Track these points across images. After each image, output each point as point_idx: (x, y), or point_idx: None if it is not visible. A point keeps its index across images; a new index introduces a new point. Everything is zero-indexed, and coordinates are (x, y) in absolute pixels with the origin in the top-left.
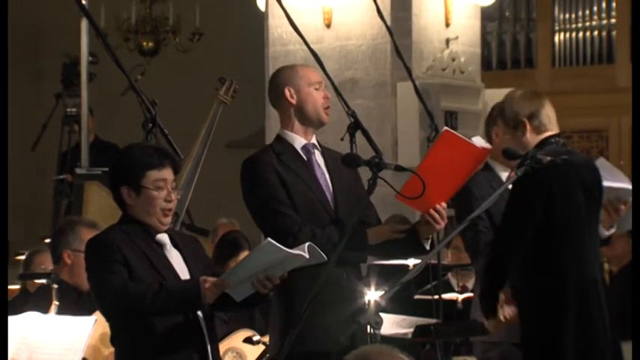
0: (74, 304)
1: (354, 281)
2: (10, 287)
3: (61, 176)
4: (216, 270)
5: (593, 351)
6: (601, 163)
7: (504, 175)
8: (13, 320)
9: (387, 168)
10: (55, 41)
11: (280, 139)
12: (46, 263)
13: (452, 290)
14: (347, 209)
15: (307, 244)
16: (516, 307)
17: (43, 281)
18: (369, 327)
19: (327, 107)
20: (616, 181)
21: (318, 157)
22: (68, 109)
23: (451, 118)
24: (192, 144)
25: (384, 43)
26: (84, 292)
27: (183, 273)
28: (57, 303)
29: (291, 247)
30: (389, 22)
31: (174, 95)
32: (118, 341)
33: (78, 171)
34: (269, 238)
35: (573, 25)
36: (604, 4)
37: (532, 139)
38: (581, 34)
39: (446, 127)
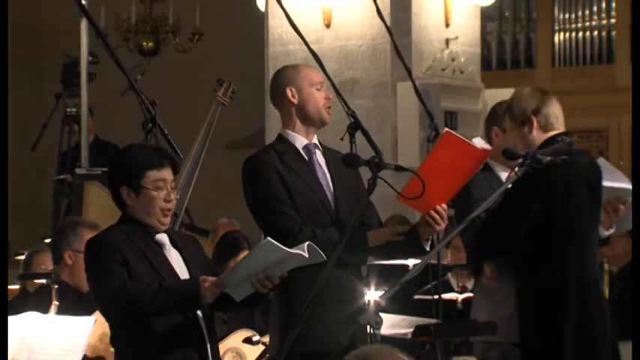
0: (74, 304)
1: (354, 281)
2: (10, 287)
3: (61, 176)
4: (216, 270)
5: (592, 351)
6: (600, 163)
7: (504, 175)
8: (13, 320)
9: (387, 168)
10: (55, 41)
11: (282, 139)
12: (46, 263)
13: (452, 290)
14: (347, 209)
15: (307, 243)
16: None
17: (43, 281)
18: (369, 327)
19: (329, 107)
20: (615, 181)
21: (319, 157)
22: (68, 109)
23: (451, 118)
24: (191, 145)
25: (383, 43)
26: (84, 292)
27: (183, 273)
28: (57, 303)
29: (291, 247)
30: (389, 22)
31: (174, 95)
32: (118, 341)
33: (78, 171)
34: (268, 237)
35: (573, 25)
36: (604, 4)
37: (538, 136)
38: (581, 34)
39: (447, 129)
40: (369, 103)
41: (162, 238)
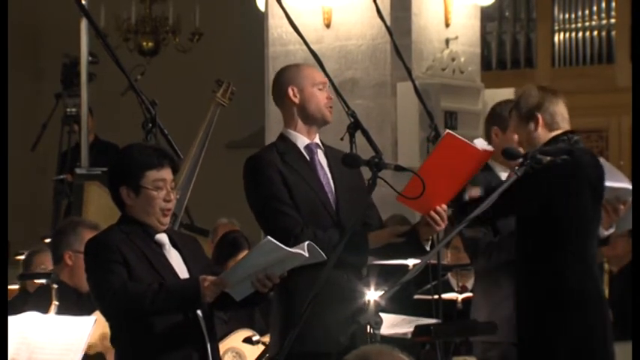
0: (74, 304)
1: (354, 281)
2: (10, 287)
3: (61, 176)
4: (216, 270)
5: (591, 352)
6: (600, 162)
7: (504, 175)
8: (13, 320)
9: (387, 168)
10: (55, 41)
11: (284, 138)
12: (46, 263)
13: (452, 290)
14: (348, 210)
15: (307, 242)
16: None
17: (43, 281)
18: (369, 327)
19: (331, 107)
20: (615, 181)
21: (321, 156)
22: (68, 109)
23: (451, 118)
24: (190, 145)
25: (383, 43)
26: (83, 293)
27: (183, 273)
28: (57, 303)
29: (291, 248)
30: (389, 22)
31: (174, 95)
32: (118, 341)
33: (78, 171)
34: (268, 237)
35: (573, 25)
36: (604, 4)
37: (543, 134)
38: (580, 34)
39: (448, 130)
40: (369, 103)
41: (162, 238)
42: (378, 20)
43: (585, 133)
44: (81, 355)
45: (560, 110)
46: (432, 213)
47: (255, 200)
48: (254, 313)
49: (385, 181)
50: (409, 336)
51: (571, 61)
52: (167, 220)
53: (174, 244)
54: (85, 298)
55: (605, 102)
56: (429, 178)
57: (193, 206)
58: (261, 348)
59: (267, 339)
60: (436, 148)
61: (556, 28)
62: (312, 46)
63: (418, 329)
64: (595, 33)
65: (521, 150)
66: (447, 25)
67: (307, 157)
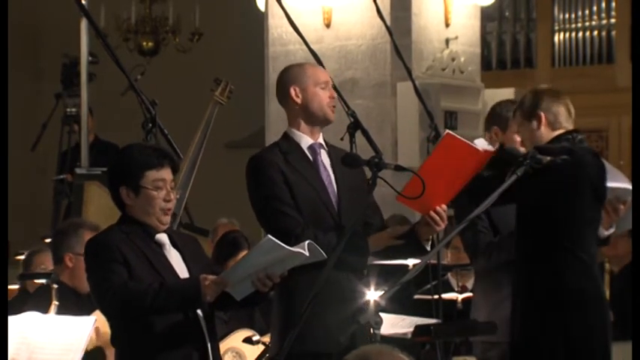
0: (73, 304)
1: (354, 281)
2: (10, 287)
3: (61, 176)
4: (216, 269)
5: (591, 351)
6: None
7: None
8: (13, 320)
9: (387, 168)
10: (55, 41)
11: (287, 138)
12: (46, 263)
13: (452, 290)
14: (350, 210)
15: (307, 242)
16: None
17: (43, 281)
18: (369, 327)
19: (334, 106)
20: (615, 181)
21: (324, 157)
22: (68, 109)
23: (451, 118)
24: (189, 145)
25: (383, 43)
26: (83, 294)
27: (183, 273)
28: (57, 303)
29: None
30: (389, 22)
31: (174, 95)
32: (119, 341)
33: (78, 171)
34: (269, 235)
35: (573, 25)
36: (604, 4)
37: (546, 133)
38: (580, 34)
39: (448, 131)
40: (369, 103)
41: (162, 237)
42: (378, 20)
43: (585, 133)
44: (81, 355)
45: (564, 110)
46: (432, 213)
47: (256, 200)
48: (254, 313)
49: (385, 181)
50: (409, 336)
51: (571, 61)
52: (167, 220)
53: (174, 244)
54: (85, 299)
55: (605, 102)
56: (429, 178)
57: (193, 206)
58: (261, 348)
59: (267, 339)
60: (436, 148)
61: (556, 28)
62: (312, 46)
63: (418, 329)
64: (595, 33)
65: (523, 150)
66: (447, 25)
67: (310, 158)
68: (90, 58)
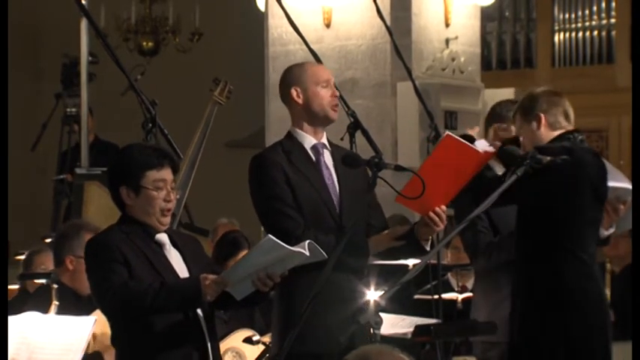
0: (73, 305)
1: (354, 281)
2: (10, 287)
3: (61, 176)
4: (216, 269)
5: (591, 351)
6: None
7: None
8: (13, 320)
9: (387, 168)
10: (55, 41)
11: (290, 137)
12: (47, 263)
13: (452, 290)
14: (352, 211)
15: (308, 241)
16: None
17: (43, 281)
18: (369, 327)
19: (336, 105)
20: (615, 181)
21: (327, 157)
22: (68, 109)
23: (451, 118)
24: (188, 145)
25: (383, 43)
26: (82, 296)
27: (183, 273)
28: (57, 303)
29: None
30: (389, 22)
31: (173, 95)
32: (119, 341)
33: (78, 171)
34: (269, 235)
35: (573, 25)
36: (604, 4)
37: (546, 134)
38: (580, 34)
39: (448, 132)
40: (369, 103)
41: (163, 237)
42: (378, 20)
43: (585, 133)
44: (81, 355)
45: (563, 110)
46: (431, 214)
47: (258, 200)
48: (254, 312)
49: (385, 181)
50: (409, 336)
51: (571, 61)
52: (167, 220)
53: (174, 244)
54: (85, 301)
55: (605, 102)
56: (428, 178)
57: (193, 206)
58: (261, 348)
59: (267, 339)
60: (435, 150)
61: (556, 28)
62: (312, 46)
63: (418, 329)
64: (595, 33)
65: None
66: (447, 25)
67: (313, 158)
68: (90, 58)
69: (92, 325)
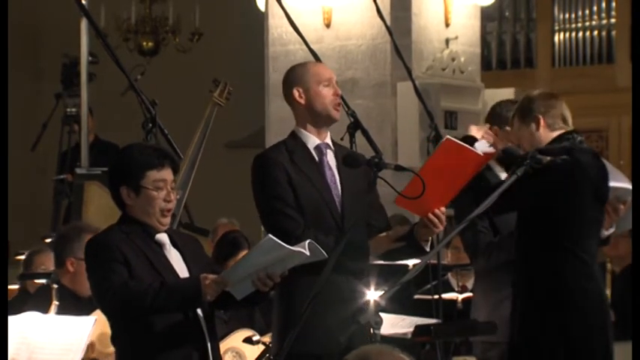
0: (73, 306)
1: (353, 281)
2: (10, 287)
3: (61, 176)
4: (217, 269)
5: (591, 351)
6: None
7: (504, 175)
8: (13, 320)
9: (387, 168)
10: (55, 41)
11: (294, 137)
12: (47, 263)
13: (452, 290)
14: (354, 212)
15: (308, 241)
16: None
17: (43, 281)
18: (369, 327)
19: (338, 104)
20: (615, 181)
21: (330, 157)
22: (68, 109)
23: (451, 118)
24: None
25: (383, 43)
26: (83, 298)
27: (183, 272)
28: (57, 303)
29: None
30: (389, 22)
31: (174, 95)
32: (119, 341)
33: (78, 171)
34: (270, 235)
35: (573, 25)
36: (604, 4)
37: (545, 135)
38: (580, 34)
39: (448, 136)
40: (369, 103)
41: (163, 237)
42: (378, 20)
43: (585, 133)
44: (81, 355)
45: (561, 111)
46: (431, 215)
47: (260, 200)
48: (254, 312)
49: (385, 181)
50: (409, 336)
51: (571, 61)
52: (167, 220)
53: (174, 244)
54: (84, 303)
55: (605, 102)
56: (428, 181)
57: (193, 206)
58: (261, 348)
59: (267, 339)
60: (435, 153)
61: (556, 28)
62: (312, 46)
63: (418, 329)
64: (595, 33)
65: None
66: (447, 25)
67: (316, 158)
68: (90, 58)
69: (92, 325)
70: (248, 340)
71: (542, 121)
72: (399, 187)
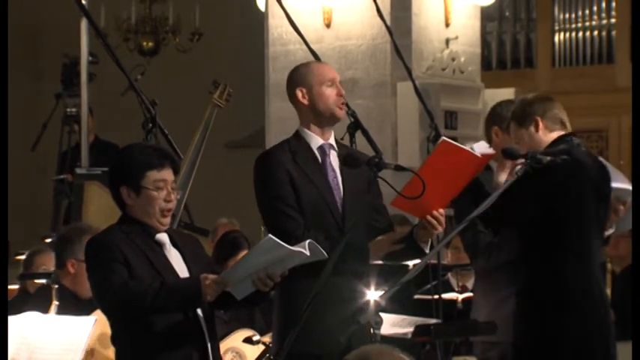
0: (73, 307)
1: (353, 281)
2: (10, 287)
3: (61, 176)
4: (217, 269)
5: (591, 352)
6: None
7: (504, 175)
8: (13, 320)
9: (387, 168)
10: (55, 41)
11: (298, 136)
12: (47, 264)
13: (452, 290)
14: (355, 214)
15: (308, 241)
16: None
17: (43, 281)
18: (369, 327)
19: (342, 103)
20: (615, 181)
21: (333, 158)
22: (68, 109)
23: (451, 117)
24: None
25: (383, 43)
26: (83, 299)
27: (183, 272)
28: (57, 303)
29: None
30: (389, 22)
31: (174, 95)
32: (119, 341)
33: (78, 171)
34: (270, 234)
35: (573, 25)
36: (604, 4)
37: (544, 136)
38: (581, 34)
39: (444, 138)
40: (369, 103)
41: (163, 237)
42: (378, 20)
43: (585, 133)
44: (81, 355)
45: (558, 114)
46: (429, 217)
47: (261, 200)
48: (254, 312)
49: (385, 181)
50: (409, 336)
51: (571, 61)
52: (167, 220)
53: (174, 244)
54: (85, 304)
55: (605, 102)
56: (427, 182)
57: (193, 206)
58: (261, 348)
59: (267, 339)
60: (432, 155)
61: (556, 28)
62: (312, 46)
63: (418, 329)
64: (595, 33)
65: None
66: (447, 25)
67: (319, 159)
68: (90, 58)
69: (92, 325)
70: (248, 340)
71: (540, 123)
72: (399, 187)
